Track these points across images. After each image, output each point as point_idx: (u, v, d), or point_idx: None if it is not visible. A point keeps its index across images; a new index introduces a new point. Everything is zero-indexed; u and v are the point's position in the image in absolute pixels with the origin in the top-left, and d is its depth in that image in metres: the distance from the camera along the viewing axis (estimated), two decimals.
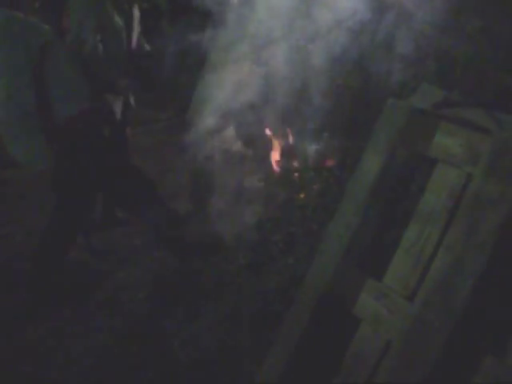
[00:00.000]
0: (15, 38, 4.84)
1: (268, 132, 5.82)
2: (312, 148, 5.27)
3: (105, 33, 5.92)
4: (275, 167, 5.66)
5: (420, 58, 4.42)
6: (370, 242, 3.57)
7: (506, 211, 2.89)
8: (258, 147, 5.84)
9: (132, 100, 6.65)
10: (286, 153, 5.78)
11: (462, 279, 2.94)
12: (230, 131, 5.71)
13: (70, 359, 4.63)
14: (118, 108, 6.27)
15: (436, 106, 3.52)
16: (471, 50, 4.19)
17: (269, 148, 5.83)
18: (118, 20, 6.15)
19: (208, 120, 5.48)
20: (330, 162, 5.08)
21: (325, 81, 4.96)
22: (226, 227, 5.36)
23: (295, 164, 5.44)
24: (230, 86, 5.32)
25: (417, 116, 3.48)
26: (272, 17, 5.25)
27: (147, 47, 6.91)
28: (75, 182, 5.11)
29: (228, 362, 4.21)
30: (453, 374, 3.02)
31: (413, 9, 4.49)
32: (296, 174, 5.24)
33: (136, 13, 6.55)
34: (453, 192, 3.23)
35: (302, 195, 4.99)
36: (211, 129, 5.50)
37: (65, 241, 5.32)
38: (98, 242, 6.23)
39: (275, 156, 5.75)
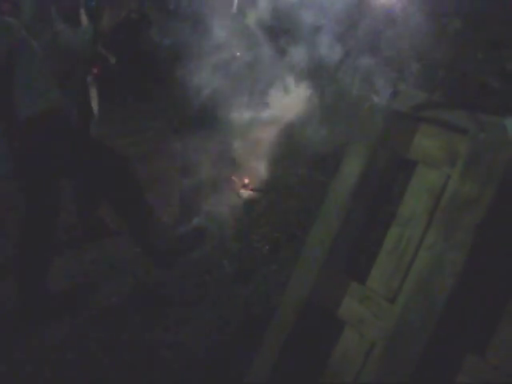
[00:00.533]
0: None
1: None
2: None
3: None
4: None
5: (401, 60, 4.43)
6: (352, 245, 3.59)
7: (484, 211, 2.91)
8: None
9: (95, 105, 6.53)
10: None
11: (442, 279, 2.96)
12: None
13: (58, 371, 4.61)
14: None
15: (416, 108, 3.54)
16: (452, 51, 4.22)
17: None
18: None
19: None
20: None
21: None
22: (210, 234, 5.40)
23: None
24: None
25: (397, 118, 3.50)
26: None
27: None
28: (37, 170, 5.03)
29: (216, 367, 4.22)
30: (436, 374, 3.03)
31: (394, 11, 4.51)
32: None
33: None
34: (432, 193, 3.24)
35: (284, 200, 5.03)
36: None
37: (41, 246, 5.23)
38: (88, 251, 6.23)
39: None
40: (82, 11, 7.71)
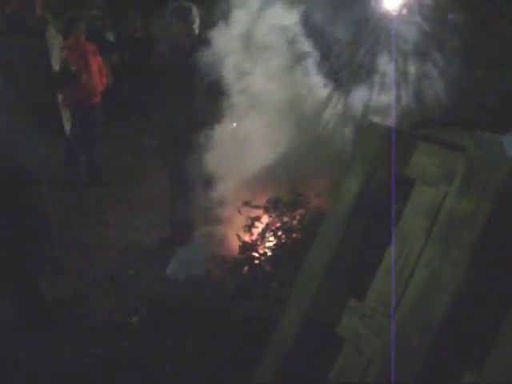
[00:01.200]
0: None
1: None
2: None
3: None
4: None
5: (401, 79, 4.49)
6: (351, 262, 3.61)
7: (480, 228, 2.93)
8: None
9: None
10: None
11: (439, 295, 2.98)
12: None
13: None
14: None
15: (414, 126, 3.58)
16: (450, 69, 4.26)
17: None
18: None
19: None
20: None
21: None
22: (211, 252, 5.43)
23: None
24: None
25: (394, 137, 3.53)
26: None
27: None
28: None
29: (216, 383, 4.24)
30: None
31: (393, 31, 4.57)
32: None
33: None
34: (430, 211, 3.27)
35: (286, 219, 5.06)
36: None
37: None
38: (89, 269, 6.27)
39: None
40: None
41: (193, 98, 6.34)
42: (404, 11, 4.85)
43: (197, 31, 6.65)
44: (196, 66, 5.83)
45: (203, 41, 5.84)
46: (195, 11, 6.61)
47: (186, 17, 6.59)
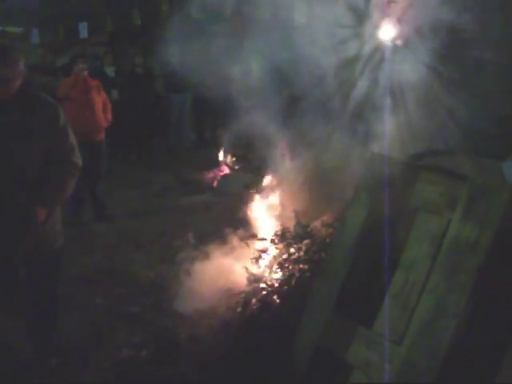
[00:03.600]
0: None
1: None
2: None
3: None
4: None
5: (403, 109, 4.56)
6: (358, 290, 3.67)
7: (484, 253, 3.00)
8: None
9: None
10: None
11: (446, 321, 3.04)
12: None
13: None
14: None
15: (417, 156, 3.65)
16: (451, 99, 4.34)
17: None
18: None
19: None
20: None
21: None
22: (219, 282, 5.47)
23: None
24: None
25: (398, 167, 3.61)
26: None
27: None
28: None
29: None
30: None
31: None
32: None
33: None
34: (434, 238, 3.34)
35: (293, 250, 5.11)
36: None
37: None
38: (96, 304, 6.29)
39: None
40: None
41: None
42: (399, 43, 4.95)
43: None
44: None
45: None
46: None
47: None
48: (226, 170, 10.59)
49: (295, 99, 5.70)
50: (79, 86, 8.63)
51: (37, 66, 11.78)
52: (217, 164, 10.93)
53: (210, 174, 10.82)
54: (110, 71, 13.03)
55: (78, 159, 4.69)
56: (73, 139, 4.75)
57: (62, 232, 4.88)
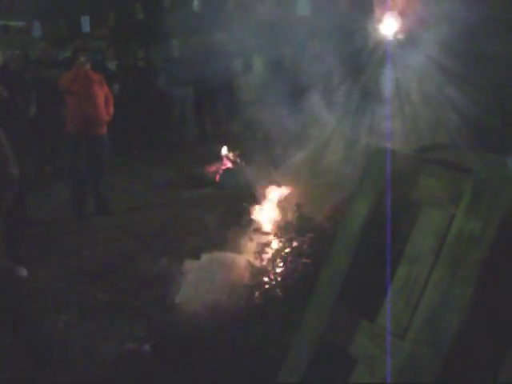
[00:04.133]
0: None
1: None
2: None
3: None
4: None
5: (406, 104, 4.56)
6: (362, 284, 3.66)
7: (487, 247, 2.99)
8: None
9: None
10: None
11: (450, 314, 3.03)
12: None
13: None
14: None
15: (421, 150, 3.64)
16: (455, 95, 4.33)
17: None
18: None
19: None
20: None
21: None
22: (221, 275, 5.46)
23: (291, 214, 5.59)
24: None
25: (402, 161, 3.60)
26: None
27: None
28: None
29: None
30: None
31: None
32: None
33: None
34: (438, 232, 3.32)
35: (296, 244, 5.11)
36: None
37: None
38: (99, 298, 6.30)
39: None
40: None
41: None
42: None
43: None
44: None
45: None
46: None
47: None
48: (229, 164, 10.57)
49: (299, 92, 5.70)
50: (80, 79, 8.62)
51: (40, 60, 11.76)
52: (219, 158, 10.92)
53: (213, 168, 10.81)
54: (111, 65, 13.01)
55: (11, 169, 4.45)
56: (5, 148, 4.48)
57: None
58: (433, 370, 3.06)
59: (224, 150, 10.81)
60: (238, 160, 10.26)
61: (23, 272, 6.66)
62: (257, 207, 6.08)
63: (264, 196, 6.12)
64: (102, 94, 9.00)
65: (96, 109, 8.76)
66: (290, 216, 5.56)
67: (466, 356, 3.12)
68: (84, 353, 5.24)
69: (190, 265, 6.05)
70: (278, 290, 4.87)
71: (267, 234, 5.59)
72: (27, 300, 6.08)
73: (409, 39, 4.92)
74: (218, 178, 10.39)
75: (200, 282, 5.71)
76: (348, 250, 3.64)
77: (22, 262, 6.73)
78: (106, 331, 5.62)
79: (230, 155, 10.63)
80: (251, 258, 5.36)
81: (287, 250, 5.15)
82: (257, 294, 4.98)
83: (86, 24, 14.99)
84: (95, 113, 8.74)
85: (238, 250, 5.73)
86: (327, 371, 3.65)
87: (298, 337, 3.75)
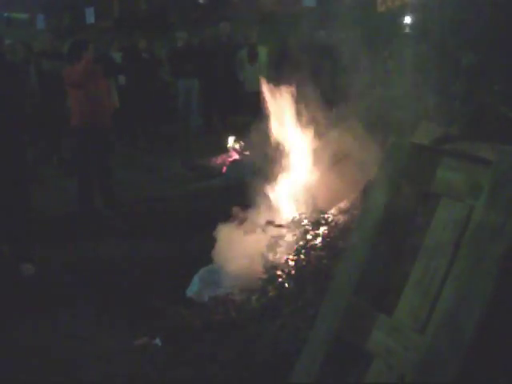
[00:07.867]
0: None
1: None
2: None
3: None
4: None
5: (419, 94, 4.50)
6: (379, 277, 3.63)
7: (509, 240, 2.96)
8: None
9: None
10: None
11: (470, 309, 3.00)
12: None
13: None
14: None
15: (436, 141, 3.60)
16: (468, 84, 4.28)
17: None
18: None
19: None
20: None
21: None
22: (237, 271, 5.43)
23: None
24: None
25: (418, 153, 3.56)
26: None
27: None
28: None
29: None
30: None
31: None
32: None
33: None
34: (457, 225, 3.29)
35: (310, 237, 5.08)
36: None
37: None
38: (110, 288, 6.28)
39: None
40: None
41: None
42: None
43: None
44: None
45: None
46: None
47: None
48: (236, 156, 10.55)
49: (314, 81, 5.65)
50: (89, 72, 8.52)
51: (45, 52, 11.72)
52: (226, 150, 10.90)
53: (219, 160, 10.79)
54: (116, 57, 12.99)
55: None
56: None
57: None
58: (453, 364, 3.02)
59: (231, 142, 10.79)
60: (246, 152, 10.23)
61: (30, 270, 6.68)
62: (267, 199, 6.04)
63: (275, 188, 6.07)
64: (105, 86, 8.97)
65: (102, 101, 8.71)
66: (303, 209, 5.53)
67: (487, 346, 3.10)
68: (96, 346, 5.22)
69: (200, 258, 6.04)
70: (291, 284, 4.83)
71: (280, 226, 5.55)
72: (34, 295, 6.10)
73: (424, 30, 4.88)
74: (224, 169, 10.36)
75: (211, 275, 5.70)
76: (365, 244, 3.60)
77: (28, 260, 6.75)
78: (117, 324, 5.60)
79: (237, 147, 10.61)
80: (264, 251, 5.33)
81: (301, 243, 5.11)
82: (270, 287, 4.95)
83: (90, 15, 14.94)
84: (102, 105, 8.69)
85: (250, 242, 5.69)
86: (340, 369, 3.62)
87: (313, 334, 3.71)
